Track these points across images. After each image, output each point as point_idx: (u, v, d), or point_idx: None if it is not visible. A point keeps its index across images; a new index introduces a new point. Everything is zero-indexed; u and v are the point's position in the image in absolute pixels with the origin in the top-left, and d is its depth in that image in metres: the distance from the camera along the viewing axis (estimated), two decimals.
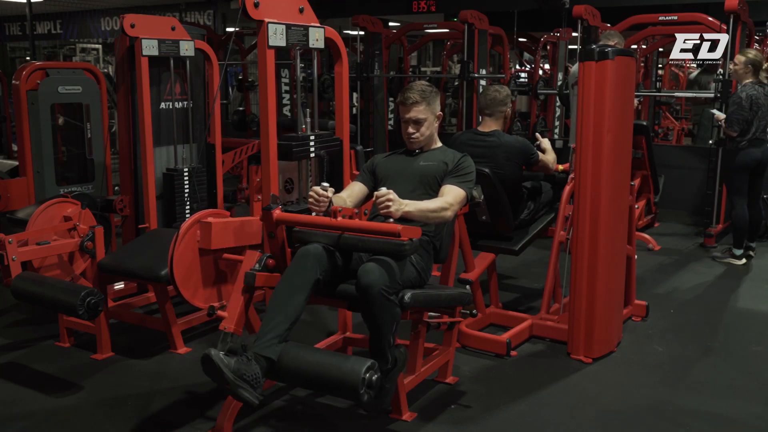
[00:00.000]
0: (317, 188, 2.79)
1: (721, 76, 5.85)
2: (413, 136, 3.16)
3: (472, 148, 3.71)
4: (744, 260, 5.35)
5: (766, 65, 5.25)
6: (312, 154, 3.45)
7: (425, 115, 3.13)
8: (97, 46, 14.17)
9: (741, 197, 5.30)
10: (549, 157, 3.99)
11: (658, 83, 10.42)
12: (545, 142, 4.06)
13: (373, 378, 2.42)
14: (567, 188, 3.82)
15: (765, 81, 5.20)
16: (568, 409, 3.07)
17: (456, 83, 10.89)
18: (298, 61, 3.54)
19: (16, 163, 5.36)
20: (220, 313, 2.89)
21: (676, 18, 6.65)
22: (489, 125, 3.96)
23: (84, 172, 5.25)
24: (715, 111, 5.52)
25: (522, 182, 4.00)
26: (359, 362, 2.44)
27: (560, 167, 4.05)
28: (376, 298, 2.56)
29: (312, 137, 3.43)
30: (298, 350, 2.56)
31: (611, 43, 5.00)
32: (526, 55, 12.62)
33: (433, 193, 3.07)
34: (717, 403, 3.16)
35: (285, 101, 8.09)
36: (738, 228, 5.35)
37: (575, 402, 3.14)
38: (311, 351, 2.61)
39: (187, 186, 4.45)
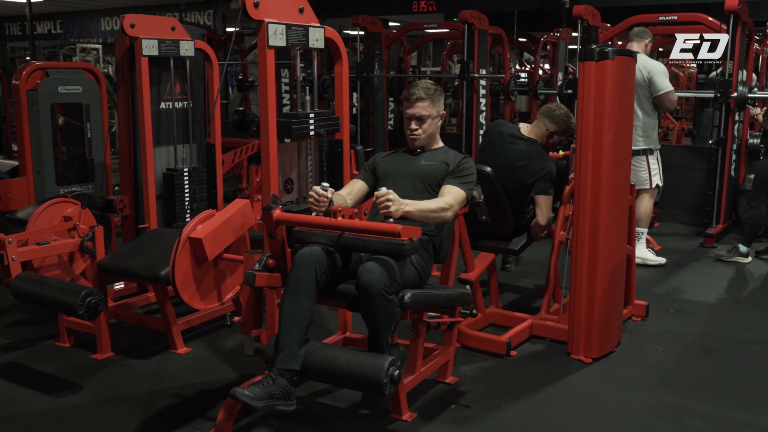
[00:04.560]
0: (317, 188, 2.79)
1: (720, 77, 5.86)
2: (415, 133, 3.15)
3: (499, 142, 3.75)
4: (750, 258, 5.33)
5: None
6: (312, 132, 3.42)
7: (428, 112, 3.13)
8: (97, 46, 14.18)
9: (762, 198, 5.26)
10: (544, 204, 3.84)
11: None
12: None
13: (395, 373, 2.52)
14: (567, 188, 3.83)
15: None
16: (568, 409, 3.07)
17: (456, 83, 10.90)
18: (298, 61, 3.54)
19: (16, 163, 5.36)
20: (237, 319, 2.97)
21: (676, 18, 6.64)
22: (530, 129, 3.95)
23: (84, 172, 5.25)
24: (749, 107, 5.61)
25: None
26: (381, 359, 2.53)
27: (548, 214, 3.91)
28: (375, 298, 2.56)
29: (311, 115, 3.42)
30: (321, 351, 2.65)
31: (641, 43, 5.19)
32: (526, 55, 12.62)
33: (434, 192, 3.07)
34: (717, 402, 3.16)
35: (285, 101, 8.09)
36: (752, 226, 5.33)
37: (575, 402, 3.14)
38: (332, 350, 2.69)
39: (187, 186, 4.45)
